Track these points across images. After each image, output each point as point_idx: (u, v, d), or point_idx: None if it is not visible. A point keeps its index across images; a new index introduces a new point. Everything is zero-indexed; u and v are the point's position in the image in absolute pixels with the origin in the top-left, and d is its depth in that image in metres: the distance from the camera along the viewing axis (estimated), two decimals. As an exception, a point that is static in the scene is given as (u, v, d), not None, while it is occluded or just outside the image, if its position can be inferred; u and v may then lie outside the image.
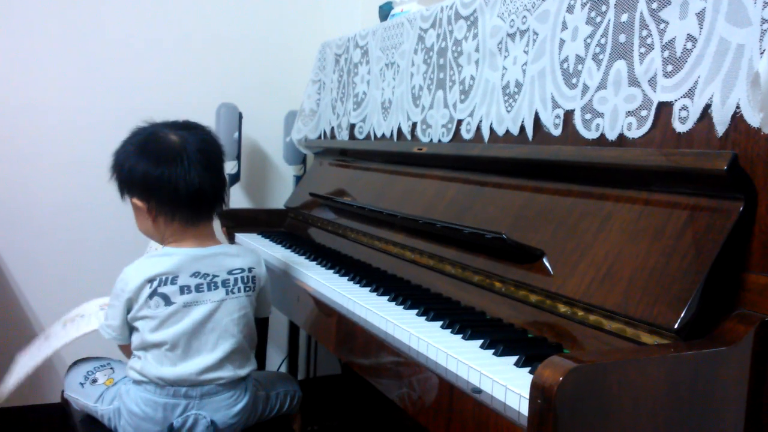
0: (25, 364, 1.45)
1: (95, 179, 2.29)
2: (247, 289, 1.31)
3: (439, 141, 1.57)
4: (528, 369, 0.88)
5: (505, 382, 0.82)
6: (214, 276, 1.27)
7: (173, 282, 1.24)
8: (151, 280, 1.23)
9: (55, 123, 2.25)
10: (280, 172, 2.62)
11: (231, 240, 2.08)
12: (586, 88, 1.16)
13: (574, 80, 1.19)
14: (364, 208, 1.61)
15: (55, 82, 2.24)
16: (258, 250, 1.63)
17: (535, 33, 1.28)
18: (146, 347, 1.25)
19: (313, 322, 1.39)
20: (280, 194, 2.60)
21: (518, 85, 1.32)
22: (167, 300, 1.23)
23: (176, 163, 1.24)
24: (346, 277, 1.42)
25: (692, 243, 0.88)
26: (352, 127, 2.02)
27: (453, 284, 1.28)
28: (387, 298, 1.24)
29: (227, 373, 1.26)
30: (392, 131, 1.79)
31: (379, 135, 1.86)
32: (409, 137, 1.71)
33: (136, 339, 1.27)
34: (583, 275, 0.99)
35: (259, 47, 2.52)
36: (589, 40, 1.17)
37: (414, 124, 1.69)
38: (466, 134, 1.47)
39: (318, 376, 2.62)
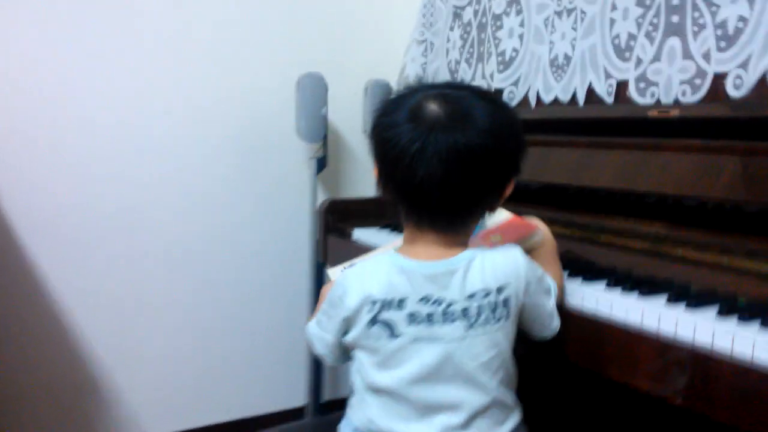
0: None
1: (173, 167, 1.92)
2: (498, 318, 0.92)
3: (676, 102, 1.25)
4: None
5: None
6: (450, 304, 0.90)
7: (400, 307, 0.89)
8: (375, 301, 0.90)
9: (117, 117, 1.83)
10: (357, 156, 2.24)
11: (345, 237, 1.72)
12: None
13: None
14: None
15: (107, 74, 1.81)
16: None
17: None
18: (375, 389, 0.92)
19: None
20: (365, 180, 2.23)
21: None
22: (392, 330, 0.90)
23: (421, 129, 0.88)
24: (653, 295, 1.03)
25: None
26: (496, 93, 1.67)
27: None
28: None
29: None
30: (574, 94, 1.45)
31: (547, 101, 1.52)
32: (609, 100, 1.38)
33: (357, 376, 0.96)
34: None
35: (344, 8, 2.12)
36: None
37: (621, 83, 1.36)
38: (735, 91, 1.15)
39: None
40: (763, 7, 1.09)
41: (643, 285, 1.04)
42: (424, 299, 0.89)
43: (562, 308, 1.03)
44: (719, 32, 1.17)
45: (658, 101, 1.28)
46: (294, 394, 2.17)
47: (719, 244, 1.08)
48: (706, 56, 1.20)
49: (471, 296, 0.89)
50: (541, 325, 0.98)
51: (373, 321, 0.90)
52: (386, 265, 0.92)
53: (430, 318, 0.89)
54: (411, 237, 0.95)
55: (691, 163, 1.17)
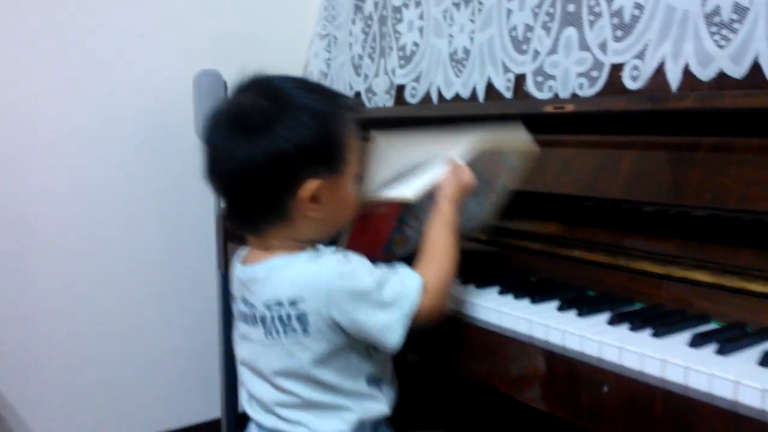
0: None
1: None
2: (293, 331, 0.84)
3: (574, 95, 1.18)
4: None
5: None
6: (256, 309, 0.88)
7: (235, 303, 0.94)
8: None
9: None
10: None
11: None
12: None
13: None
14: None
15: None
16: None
17: None
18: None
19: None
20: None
21: (739, 9, 0.96)
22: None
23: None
24: (542, 302, 0.94)
25: None
26: (399, 89, 1.59)
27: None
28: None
29: None
30: (474, 89, 1.38)
31: (448, 96, 1.45)
32: (509, 95, 1.31)
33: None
34: None
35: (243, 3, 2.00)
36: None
37: (519, 77, 1.29)
38: (632, 83, 1.10)
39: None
40: (656, -4, 1.04)
41: (536, 291, 0.97)
42: (243, 300, 0.90)
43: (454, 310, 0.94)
44: (615, 21, 1.12)
45: (557, 95, 1.22)
46: (209, 406, 2.02)
47: (616, 244, 1.02)
48: (603, 47, 1.14)
49: (267, 305, 0.85)
50: (374, 340, 0.84)
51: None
52: (235, 262, 0.93)
53: (246, 318, 0.90)
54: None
55: (588, 159, 1.10)
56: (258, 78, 0.87)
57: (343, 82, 1.76)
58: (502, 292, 0.99)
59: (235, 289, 0.92)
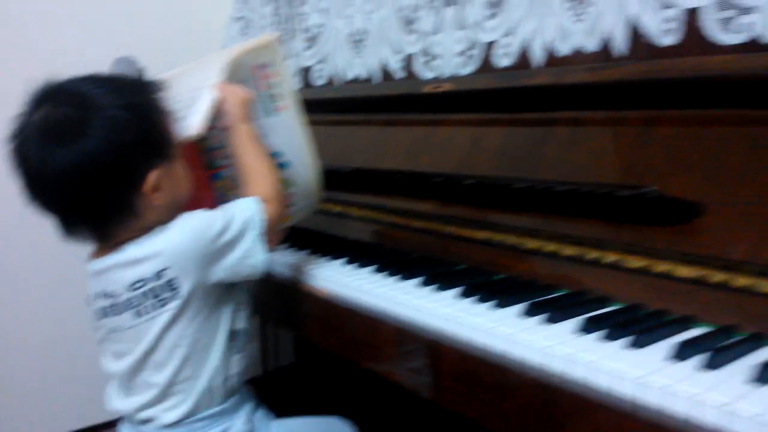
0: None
1: None
2: (165, 302, 0.86)
3: (453, 75, 1.20)
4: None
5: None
6: (118, 296, 0.87)
7: (89, 303, 0.93)
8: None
9: None
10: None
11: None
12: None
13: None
14: (372, 172, 1.22)
15: None
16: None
17: None
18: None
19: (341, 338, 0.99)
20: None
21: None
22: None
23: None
24: (385, 272, 0.99)
25: None
26: (305, 71, 1.59)
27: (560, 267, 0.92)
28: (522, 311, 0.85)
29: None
30: (372, 70, 1.39)
31: (349, 77, 1.46)
32: (401, 75, 1.32)
33: None
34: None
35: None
36: None
37: (409, 57, 1.30)
38: (503, 60, 1.11)
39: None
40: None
41: (405, 267, 0.99)
42: (104, 294, 0.89)
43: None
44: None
45: (439, 75, 1.23)
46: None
47: (484, 220, 1.04)
48: (479, 25, 1.15)
49: (132, 287, 0.86)
50: (243, 272, 0.89)
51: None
52: (87, 262, 0.91)
53: (110, 311, 0.89)
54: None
55: (464, 138, 1.12)
56: (56, 87, 0.84)
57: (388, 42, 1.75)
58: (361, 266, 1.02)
59: (91, 287, 0.90)
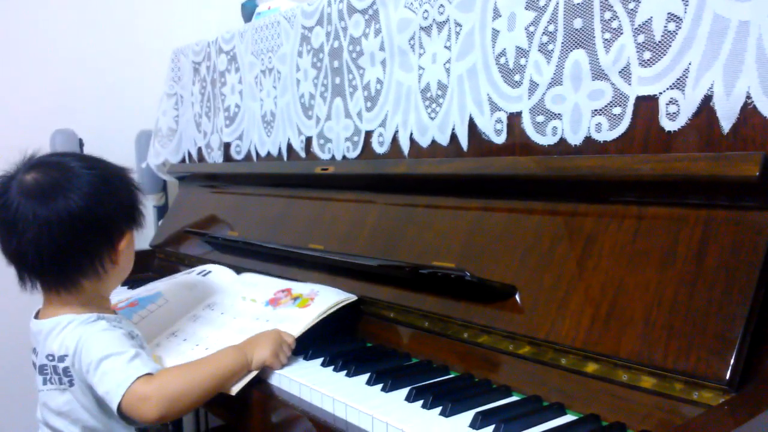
0: None
1: None
2: (61, 383, 0.93)
3: (344, 158, 1.33)
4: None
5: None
6: (38, 358, 0.97)
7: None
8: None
9: None
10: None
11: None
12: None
13: (517, 77, 1.00)
14: (262, 246, 1.33)
15: None
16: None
17: (458, 24, 1.08)
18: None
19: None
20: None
21: (442, 86, 1.11)
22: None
23: None
24: None
25: (719, 267, 0.72)
26: (226, 146, 1.72)
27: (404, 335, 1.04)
28: (339, 370, 0.98)
29: None
30: (280, 148, 1.52)
31: (263, 154, 1.58)
32: (303, 155, 1.45)
33: None
34: (579, 315, 0.81)
35: (97, 60, 2.12)
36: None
37: (309, 139, 1.43)
38: (379, 147, 1.25)
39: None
40: (392, 70, 1.19)
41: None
42: (33, 351, 0.99)
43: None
44: (366, 93, 1.27)
45: (333, 157, 1.36)
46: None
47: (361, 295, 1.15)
48: (360, 115, 1.29)
49: (47, 356, 0.95)
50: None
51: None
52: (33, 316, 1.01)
53: (35, 367, 0.98)
54: None
55: (348, 216, 1.24)
56: (43, 156, 0.97)
57: (188, 138, 1.89)
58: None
59: (31, 340, 0.99)
